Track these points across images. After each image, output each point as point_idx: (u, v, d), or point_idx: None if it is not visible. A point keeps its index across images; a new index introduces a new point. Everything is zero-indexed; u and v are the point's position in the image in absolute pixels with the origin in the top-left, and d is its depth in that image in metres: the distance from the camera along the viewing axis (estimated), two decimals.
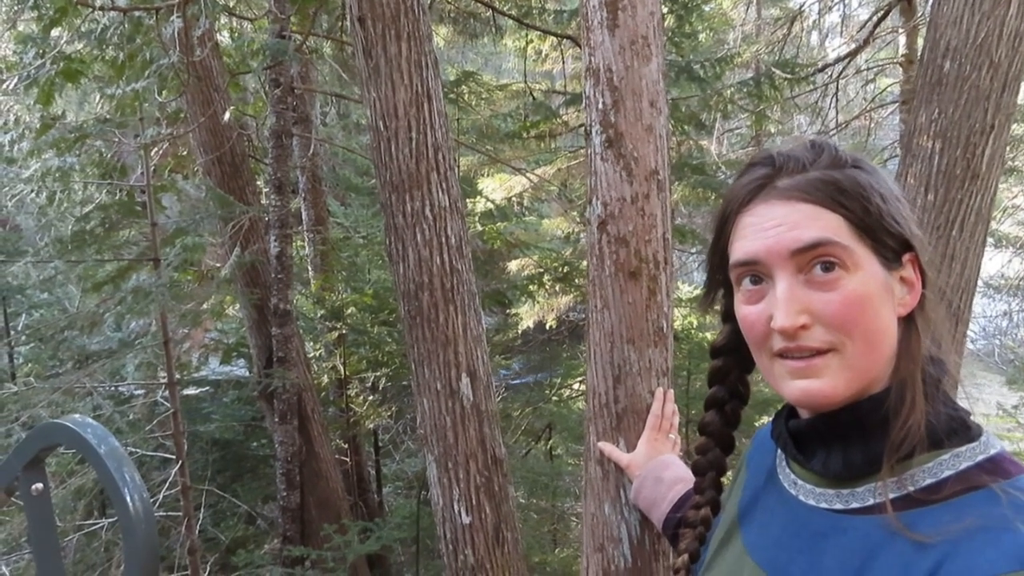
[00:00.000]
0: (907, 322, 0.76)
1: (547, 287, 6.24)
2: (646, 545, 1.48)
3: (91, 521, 4.89)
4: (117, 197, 4.75)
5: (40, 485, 1.33)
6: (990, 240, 10.26)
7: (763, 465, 0.91)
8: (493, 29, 6.40)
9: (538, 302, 6.38)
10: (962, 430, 0.72)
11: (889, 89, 8.20)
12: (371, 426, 6.21)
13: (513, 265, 6.55)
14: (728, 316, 0.92)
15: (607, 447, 1.51)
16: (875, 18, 5.89)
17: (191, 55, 3.84)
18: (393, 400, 6.55)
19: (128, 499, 1.17)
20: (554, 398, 6.54)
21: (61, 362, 5.09)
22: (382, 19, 2.28)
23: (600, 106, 1.50)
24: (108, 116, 4.45)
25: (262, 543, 5.91)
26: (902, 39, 6.47)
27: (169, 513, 4.41)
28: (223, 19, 5.86)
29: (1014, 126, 8.10)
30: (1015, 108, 2.66)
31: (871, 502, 0.72)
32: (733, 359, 0.97)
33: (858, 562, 0.70)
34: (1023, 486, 0.67)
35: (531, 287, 6.25)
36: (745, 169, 0.82)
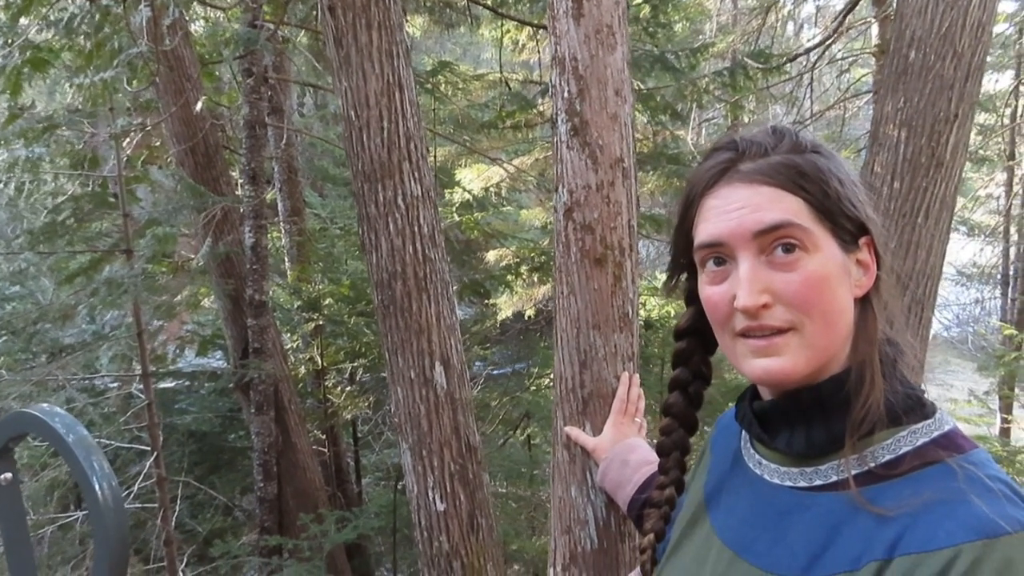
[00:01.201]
0: (863, 303, 0.79)
1: (525, 277, 6.25)
2: (612, 527, 1.50)
3: (66, 514, 4.86)
4: (89, 188, 4.69)
5: (9, 475, 1.33)
6: (963, 229, 10.43)
7: (728, 448, 0.93)
8: (469, 19, 6.37)
9: (516, 292, 6.38)
10: (918, 408, 0.75)
11: (863, 79, 8.28)
12: (349, 417, 6.19)
13: (491, 255, 6.54)
14: (691, 299, 0.94)
15: (573, 431, 1.53)
16: (846, 8, 5.94)
17: (161, 44, 3.81)
18: (372, 391, 6.54)
19: (97, 487, 1.18)
20: (531, 387, 6.56)
21: (34, 355, 5.03)
22: (352, 8, 2.28)
23: (566, 95, 1.52)
24: (78, 106, 4.39)
25: (240, 534, 5.89)
26: (875, 29, 6.54)
27: (145, 505, 4.39)
28: (196, 8, 5.79)
29: (984, 115, 8.23)
30: (978, 97, 2.71)
31: (834, 479, 0.75)
32: (696, 341, 0.99)
33: (823, 537, 0.72)
34: (976, 460, 0.70)
35: (509, 277, 6.24)
36: (709, 154, 0.83)
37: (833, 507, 0.73)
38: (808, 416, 0.77)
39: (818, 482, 0.76)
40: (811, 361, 0.75)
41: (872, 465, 0.72)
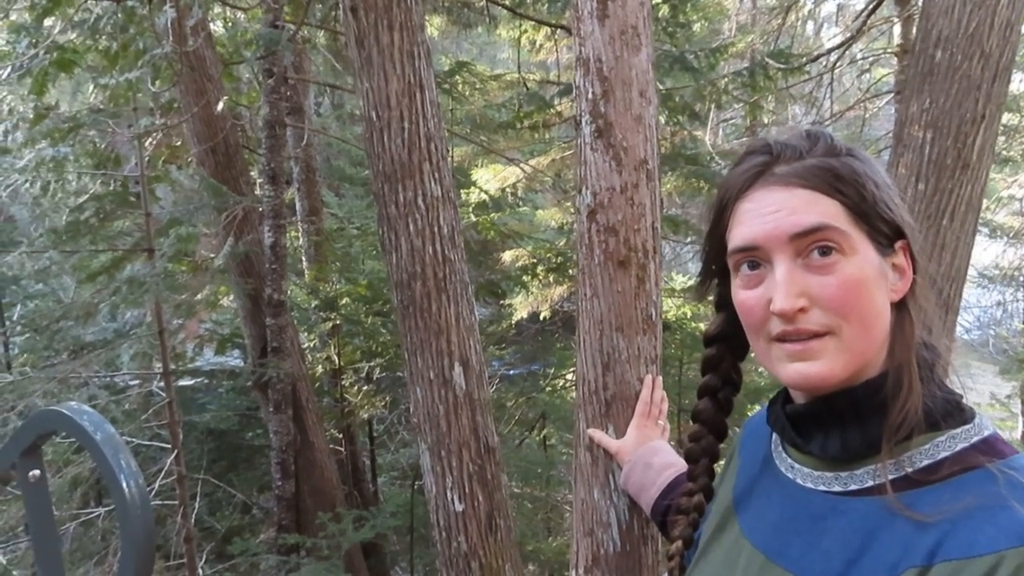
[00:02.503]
0: (899, 308, 0.78)
1: (541, 278, 6.23)
2: (635, 530, 1.50)
3: (88, 510, 4.91)
4: (111, 187, 4.73)
5: (37, 472, 1.34)
6: (985, 230, 10.29)
7: (757, 451, 0.92)
8: (487, 19, 6.37)
9: (532, 293, 6.37)
10: (957, 412, 0.74)
11: (884, 79, 8.19)
12: (366, 416, 6.22)
13: (507, 256, 6.54)
14: (721, 305, 0.94)
15: (596, 433, 1.52)
16: (869, 7, 5.88)
17: (184, 45, 3.84)
18: (388, 390, 6.56)
19: (124, 485, 1.18)
20: (548, 388, 6.55)
21: (56, 352, 5.09)
22: (375, 9, 2.29)
23: (590, 96, 1.51)
24: (102, 106, 4.44)
25: (258, 532, 5.93)
26: (897, 29, 6.47)
27: (165, 502, 4.43)
28: (216, 8, 5.83)
29: (1008, 115, 8.12)
30: (1006, 98, 2.67)
31: (870, 484, 0.73)
32: (726, 347, 0.98)
33: (858, 542, 0.71)
34: (1017, 466, 0.68)
35: (525, 278, 6.24)
36: (742, 158, 0.82)
37: (869, 512, 0.72)
38: (843, 420, 0.76)
39: (853, 487, 0.75)
40: (848, 365, 0.74)
41: (909, 470, 0.71)
